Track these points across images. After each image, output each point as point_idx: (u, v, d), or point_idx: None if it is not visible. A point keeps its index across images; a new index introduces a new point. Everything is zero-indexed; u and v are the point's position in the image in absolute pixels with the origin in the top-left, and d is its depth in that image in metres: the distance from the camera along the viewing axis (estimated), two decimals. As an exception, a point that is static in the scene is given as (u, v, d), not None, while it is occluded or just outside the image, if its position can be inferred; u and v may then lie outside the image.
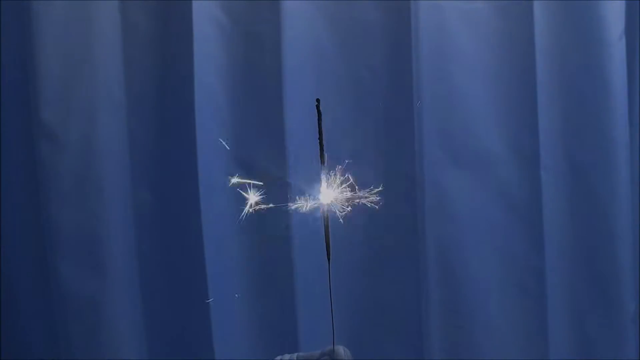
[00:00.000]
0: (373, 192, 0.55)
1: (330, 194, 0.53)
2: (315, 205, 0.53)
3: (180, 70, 0.94)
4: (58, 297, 0.94)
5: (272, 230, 0.95)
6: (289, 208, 0.54)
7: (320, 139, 0.52)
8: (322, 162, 0.52)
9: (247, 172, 0.97)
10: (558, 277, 0.98)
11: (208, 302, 0.94)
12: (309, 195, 0.54)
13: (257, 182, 0.54)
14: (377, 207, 0.55)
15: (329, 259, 0.54)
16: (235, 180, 0.54)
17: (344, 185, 0.54)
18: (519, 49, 0.95)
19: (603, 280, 0.98)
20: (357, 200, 0.54)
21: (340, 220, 0.54)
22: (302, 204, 0.54)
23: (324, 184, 0.53)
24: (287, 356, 0.55)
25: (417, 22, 0.94)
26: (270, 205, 0.55)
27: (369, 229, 0.95)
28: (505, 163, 0.97)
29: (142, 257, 0.97)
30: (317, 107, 0.52)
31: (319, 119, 0.52)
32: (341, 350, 0.53)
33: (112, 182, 0.94)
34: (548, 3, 0.95)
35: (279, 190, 0.94)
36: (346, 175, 0.54)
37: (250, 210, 0.54)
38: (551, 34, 0.95)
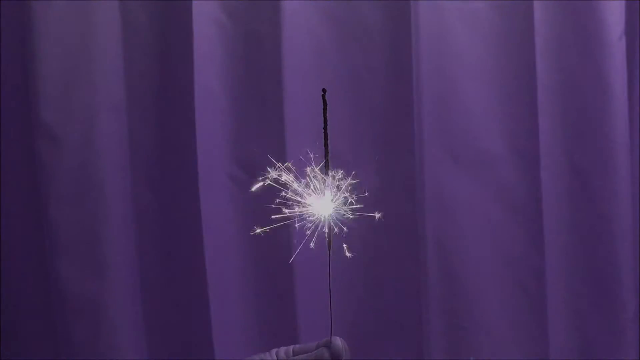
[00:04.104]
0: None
1: (331, 202, 0.52)
2: (318, 215, 0.53)
3: (180, 70, 0.94)
4: (58, 297, 0.94)
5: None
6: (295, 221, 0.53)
7: (325, 130, 0.52)
8: (326, 158, 0.52)
9: (247, 172, 0.97)
10: (558, 277, 0.98)
11: (208, 301, 0.94)
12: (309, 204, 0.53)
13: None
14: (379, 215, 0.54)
15: (329, 250, 0.54)
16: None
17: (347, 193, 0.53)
18: (519, 49, 0.95)
19: (603, 280, 0.98)
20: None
21: (344, 229, 0.54)
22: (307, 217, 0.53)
23: (327, 190, 0.52)
24: (283, 348, 0.55)
25: (417, 22, 0.93)
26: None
27: (368, 229, 0.95)
28: (505, 163, 0.97)
29: (142, 257, 0.97)
30: (323, 97, 0.52)
31: (325, 110, 0.52)
32: (338, 341, 0.53)
33: (112, 182, 0.94)
34: (548, 3, 0.95)
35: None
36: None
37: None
38: (551, 34, 0.95)
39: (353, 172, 0.53)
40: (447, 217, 0.97)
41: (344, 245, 0.53)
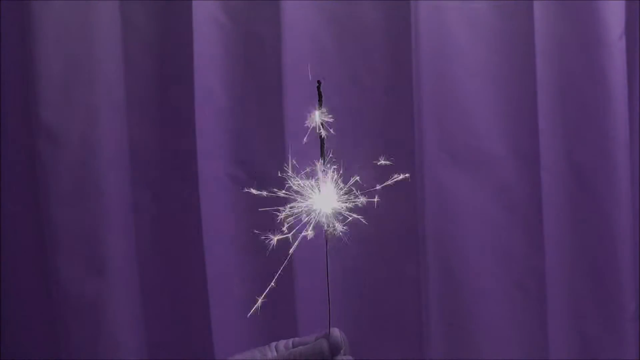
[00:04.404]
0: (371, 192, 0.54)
1: (330, 197, 0.53)
2: (314, 214, 0.53)
3: (180, 70, 0.94)
4: (58, 297, 0.94)
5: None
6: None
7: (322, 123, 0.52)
8: (323, 151, 0.52)
9: (247, 172, 0.97)
10: (558, 277, 0.98)
11: (208, 301, 0.94)
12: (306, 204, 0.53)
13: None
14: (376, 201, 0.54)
15: (327, 241, 0.54)
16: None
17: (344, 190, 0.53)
18: (519, 49, 0.95)
19: (603, 280, 0.98)
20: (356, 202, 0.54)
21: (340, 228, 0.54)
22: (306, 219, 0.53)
23: (322, 184, 0.52)
24: (282, 342, 0.55)
25: (417, 22, 0.93)
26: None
27: (368, 229, 0.95)
28: (505, 163, 0.97)
29: (142, 257, 0.97)
30: (318, 88, 0.52)
31: (320, 102, 0.52)
32: (337, 332, 0.53)
33: (112, 182, 0.94)
34: (548, 3, 0.95)
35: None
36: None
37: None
38: (551, 34, 0.95)
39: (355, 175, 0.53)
40: (447, 217, 0.97)
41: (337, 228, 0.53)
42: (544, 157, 0.96)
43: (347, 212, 0.53)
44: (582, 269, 0.99)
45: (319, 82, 0.52)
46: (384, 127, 0.97)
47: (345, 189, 0.53)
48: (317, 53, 0.96)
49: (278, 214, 0.53)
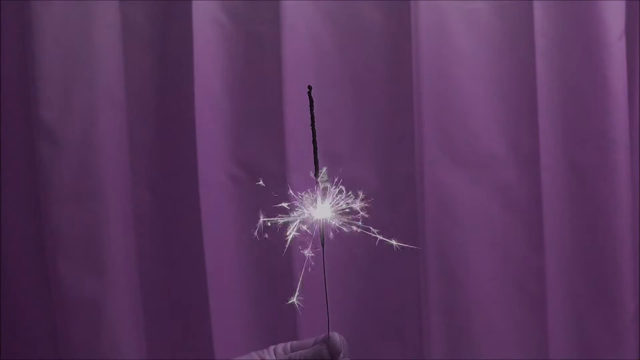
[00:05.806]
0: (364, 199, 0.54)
1: (325, 206, 0.52)
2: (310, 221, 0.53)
3: (180, 70, 0.94)
4: (58, 297, 0.94)
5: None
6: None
7: (313, 127, 0.52)
8: (315, 157, 0.52)
9: (247, 172, 0.97)
10: (558, 277, 0.98)
11: (208, 301, 0.94)
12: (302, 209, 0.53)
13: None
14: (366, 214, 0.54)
15: (323, 245, 0.54)
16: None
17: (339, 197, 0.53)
18: (519, 49, 0.95)
19: (603, 280, 0.98)
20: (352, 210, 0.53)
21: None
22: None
23: (318, 194, 0.52)
24: (280, 345, 0.54)
25: (417, 22, 0.93)
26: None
27: (367, 229, 0.95)
28: (505, 163, 0.97)
29: (142, 257, 0.97)
30: (309, 94, 0.52)
31: (311, 107, 0.52)
32: (336, 336, 0.52)
33: (112, 182, 0.94)
34: (548, 3, 0.95)
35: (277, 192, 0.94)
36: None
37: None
38: (551, 34, 0.95)
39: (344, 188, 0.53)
40: (446, 216, 0.97)
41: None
42: (544, 157, 0.96)
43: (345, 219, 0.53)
44: (582, 269, 0.99)
45: (309, 87, 0.51)
46: (384, 127, 0.97)
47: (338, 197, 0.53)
48: (317, 53, 0.96)
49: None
